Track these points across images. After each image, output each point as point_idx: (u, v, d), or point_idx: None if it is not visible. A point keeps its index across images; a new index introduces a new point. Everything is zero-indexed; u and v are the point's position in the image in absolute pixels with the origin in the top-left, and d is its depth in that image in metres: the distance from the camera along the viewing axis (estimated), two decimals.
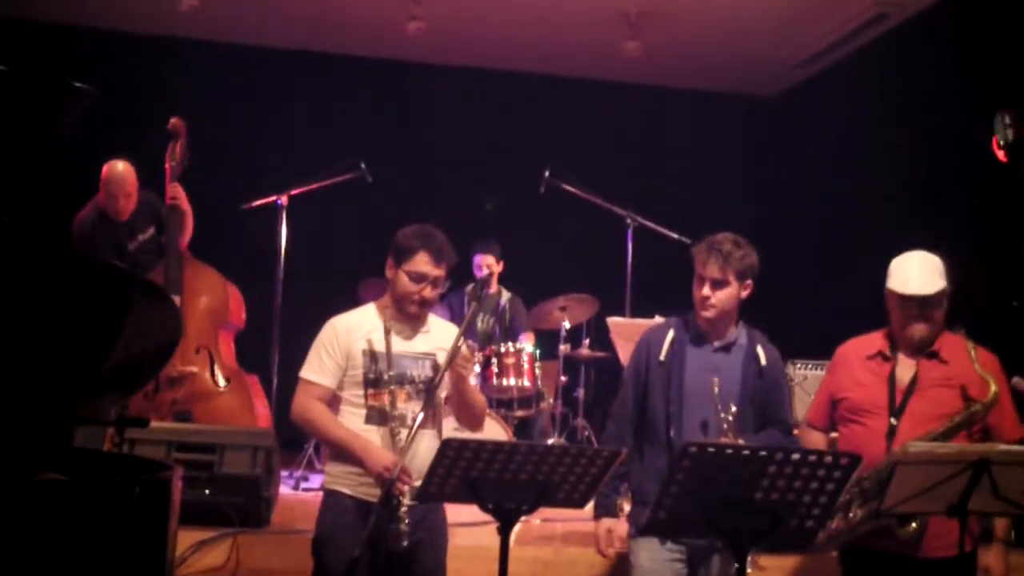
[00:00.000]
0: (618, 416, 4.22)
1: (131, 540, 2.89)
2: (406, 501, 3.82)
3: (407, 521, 3.82)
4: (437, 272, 4.05)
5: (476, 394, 4.26)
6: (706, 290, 4.05)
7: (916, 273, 4.05)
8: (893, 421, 4.03)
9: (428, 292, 4.05)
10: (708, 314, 4.09)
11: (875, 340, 4.22)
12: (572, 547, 5.35)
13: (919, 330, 4.05)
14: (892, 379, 4.10)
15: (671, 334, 4.16)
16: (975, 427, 3.98)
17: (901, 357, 4.13)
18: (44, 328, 2.99)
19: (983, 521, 4.11)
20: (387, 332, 4.03)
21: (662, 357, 4.12)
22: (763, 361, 4.14)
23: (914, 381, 4.07)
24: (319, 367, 4.05)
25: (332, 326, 4.11)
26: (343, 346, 4.03)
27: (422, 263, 4.03)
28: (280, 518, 5.55)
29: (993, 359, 4.11)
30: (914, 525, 3.89)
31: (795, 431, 4.35)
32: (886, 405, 4.07)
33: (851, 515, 3.89)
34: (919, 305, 4.03)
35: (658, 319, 6.70)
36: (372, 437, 3.97)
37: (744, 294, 4.11)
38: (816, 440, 4.32)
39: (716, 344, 4.14)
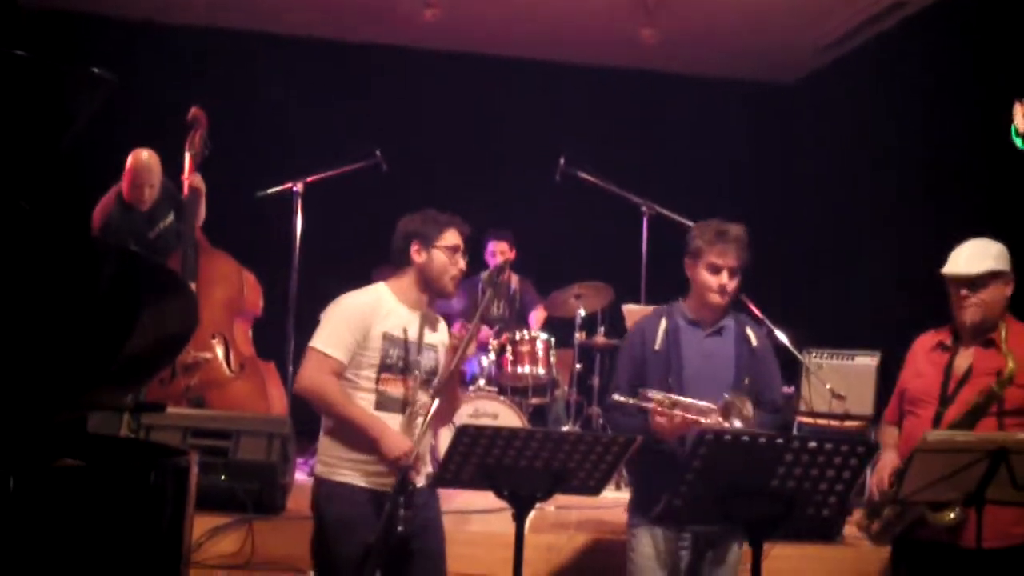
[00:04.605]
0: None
1: (147, 525, 2.90)
2: (416, 489, 3.81)
3: (410, 506, 3.80)
4: (463, 243, 4.12)
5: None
6: (725, 278, 4.12)
7: (965, 254, 4.04)
8: (942, 410, 4.01)
9: (463, 264, 4.11)
10: (723, 302, 4.16)
11: (941, 332, 4.21)
12: (587, 534, 5.35)
13: (968, 313, 4.02)
14: (948, 369, 4.08)
15: (664, 323, 4.20)
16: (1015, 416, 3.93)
17: (961, 347, 4.10)
18: (61, 315, 2.99)
19: None
20: (424, 320, 4.07)
21: (657, 346, 4.15)
22: (754, 342, 4.21)
23: (969, 371, 4.03)
24: (336, 340, 3.94)
25: (351, 302, 4.04)
26: (363, 325, 3.96)
27: (454, 237, 4.09)
28: (295, 504, 5.55)
29: None
30: (952, 515, 3.84)
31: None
32: (939, 395, 4.06)
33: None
34: (966, 286, 4.00)
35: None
36: (388, 423, 3.94)
37: None
38: (889, 434, 4.30)
39: (709, 330, 4.20)
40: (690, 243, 4.20)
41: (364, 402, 3.96)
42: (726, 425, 3.85)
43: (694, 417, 3.92)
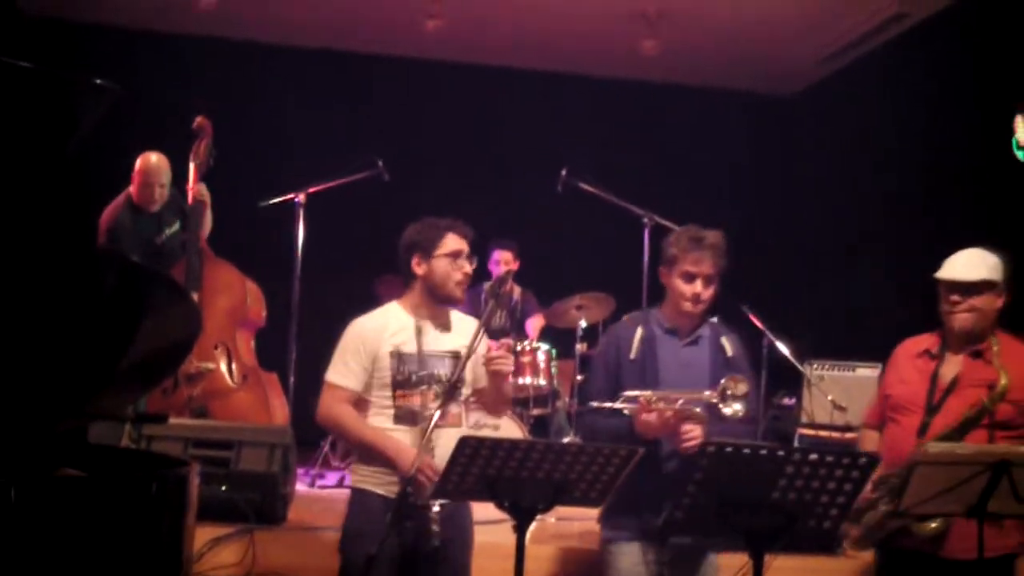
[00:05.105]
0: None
1: (148, 536, 2.90)
2: (435, 502, 3.82)
3: (438, 520, 3.84)
4: (467, 247, 4.12)
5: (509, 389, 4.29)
6: (699, 286, 4.06)
7: (961, 261, 4.07)
8: (927, 419, 4.02)
9: (468, 268, 4.11)
10: (698, 309, 4.10)
11: (927, 338, 4.22)
12: (588, 546, 5.34)
13: (959, 319, 4.04)
14: (935, 377, 4.09)
15: (640, 331, 4.14)
16: (1015, 431, 3.95)
17: (948, 356, 4.12)
18: (63, 324, 3.00)
19: None
20: (419, 332, 4.06)
21: (633, 355, 4.10)
22: (729, 351, 4.15)
23: (955, 380, 4.04)
24: (344, 370, 4.04)
25: (357, 328, 4.10)
26: (369, 349, 4.03)
27: (453, 243, 4.09)
28: (296, 515, 5.56)
29: None
30: (934, 525, 3.87)
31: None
32: (924, 403, 4.06)
33: (879, 511, 3.89)
34: (959, 292, 4.02)
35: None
36: (402, 437, 3.97)
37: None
38: (871, 439, 4.31)
39: (686, 339, 4.15)
40: (665, 251, 4.16)
41: (383, 417, 4.02)
42: (725, 411, 3.83)
43: (687, 408, 3.88)
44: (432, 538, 3.83)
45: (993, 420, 3.92)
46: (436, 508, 3.85)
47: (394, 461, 3.93)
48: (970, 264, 4.05)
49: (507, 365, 4.07)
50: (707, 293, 4.08)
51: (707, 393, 3.89)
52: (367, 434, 4.03)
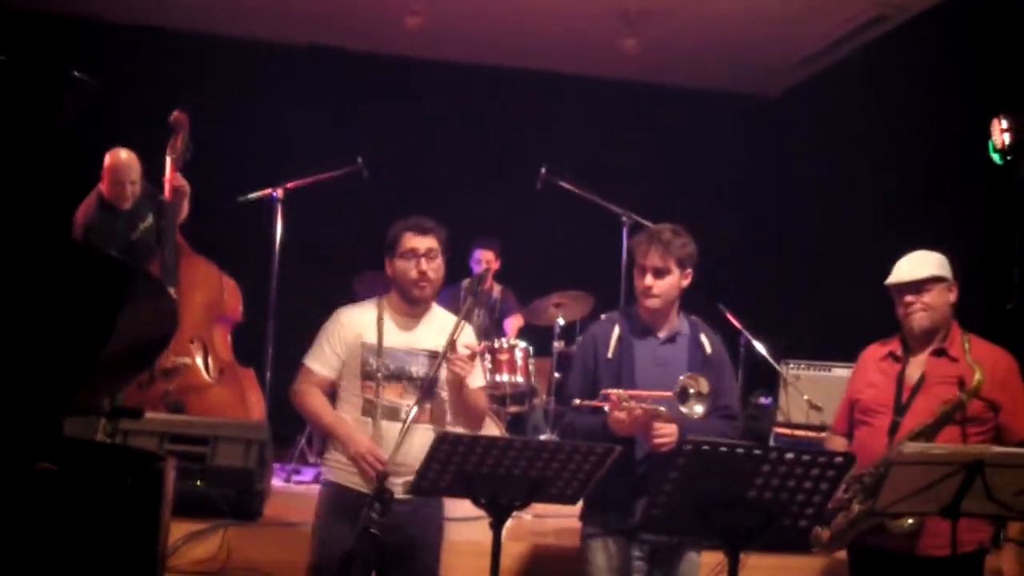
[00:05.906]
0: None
1: (123, 530, 2.88)
2: (399, 495, 3.81)
3: (385, 513, 3.81)
4: (427, 244, 4.11)
5: (474, 396, 4.21)
6: (648, 279, 4.05)
7: (907, 263, 4.19)
8: (897, 419, 4.08)
9: (424, 265, 4.09)
10: (651, 303, 4.08)
11: (890, 343, 4.30)
12: (564, 543, 5.35)
13: (917, 319, 4.13)
14: (901, 378, 4.16)
15: (617, 330, 4.14)
16: (985, 426, 4.01)
17: (912, 357, 4.19)
18: (39, 318, 2.98)
19: (995, 523, 4.12)
20: (379, 320, 4.08)
21: (610, 354, 4.10)
22: (708, 349, 4.15)
23: (922, 379, 4.11)
24: (319, 356, 4.14)
25: (337, 317, 4.19)
26: (345, 337, 4.11)
27: (409, 241, 4.11)
28: (272, 511, 5.55)
29: (1003, 357, 4.15)
30: (910, 521, 3.91)
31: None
32: (892, 404, 4.12)
33: (852, 511, 3.92)
34: (911, 292, 4.12)
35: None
36: (366, 428, 4.00)
37: (685, 283, 4.12)
38: (839, 444, 4.34)
39: (661, 336, 4.14)
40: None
41: (353, 408, 4.09)
42: (683, 410, 3.80)
43: (654, 408, 3.86)
44: (371, 526, 3.76)
45: (964, 416, 3.98)
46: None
47: (344, 444, 4.02)
48: (916, 264, 4.17)
49: (464, 369, 4.03)
50: (659, 286, 4.05)
51: (670, 392, 3.87)
52: (325, 417, 4.14)
